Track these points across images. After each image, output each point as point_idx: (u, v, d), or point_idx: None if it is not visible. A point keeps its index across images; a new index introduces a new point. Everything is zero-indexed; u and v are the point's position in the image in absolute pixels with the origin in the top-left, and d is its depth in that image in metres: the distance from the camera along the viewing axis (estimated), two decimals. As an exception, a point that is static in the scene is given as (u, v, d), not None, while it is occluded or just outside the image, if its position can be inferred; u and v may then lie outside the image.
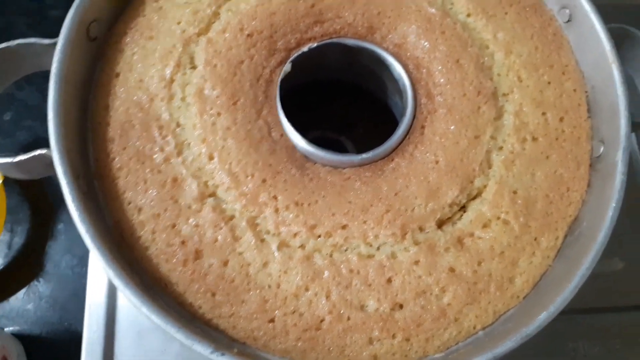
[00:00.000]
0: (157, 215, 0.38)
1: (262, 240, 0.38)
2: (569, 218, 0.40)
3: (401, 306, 0.38)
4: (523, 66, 0.43)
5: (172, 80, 0.41)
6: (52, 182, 0.57)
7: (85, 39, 0.40)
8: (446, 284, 0.38)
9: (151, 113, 0.40)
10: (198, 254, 0.38)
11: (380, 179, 0.40)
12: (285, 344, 0.37)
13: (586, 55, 0.43)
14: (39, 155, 0.38)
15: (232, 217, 0.38)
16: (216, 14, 0.43)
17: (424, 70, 0.43)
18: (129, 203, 0.39)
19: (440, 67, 0.42)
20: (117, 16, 0.43)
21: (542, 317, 0.35)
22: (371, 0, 0.43)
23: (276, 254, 0.38)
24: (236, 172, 0.39)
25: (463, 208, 0.40)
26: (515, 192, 0.40)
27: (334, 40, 0.43)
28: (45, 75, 0.38)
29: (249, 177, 0.39)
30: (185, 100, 0.41)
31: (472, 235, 0.39)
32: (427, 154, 0.41)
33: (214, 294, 0.37)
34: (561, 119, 0.42)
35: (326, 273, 0.38)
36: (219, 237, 0.38)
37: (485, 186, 0.40)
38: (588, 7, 0.42)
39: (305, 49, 0.43)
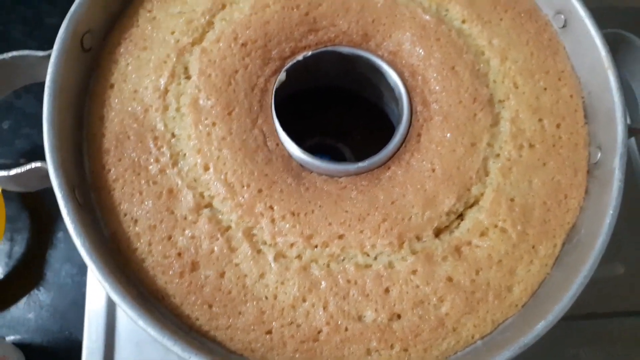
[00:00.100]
0: (153, 226, 0.38)
1: (259, 251, 0.38)
2: (567, 225, 0.40)
3: (399, 316, 0.37)
4: (519, 72, 0.43)
5: (166, 91, 0.41)
6: (51, 191, 0.57)
7: (79, 50, 0.40)
8: (444, 294, 0.38)
9: (146, 124, 0.40)
10: (194, 266, 0.38)
11: (376, 187, 0.40)
12: (282, 356, 0.37)
13: (582, 60, 0.43)
14: (35, 168, 0.38)
15: (228, 228, 0.38)
16: (210, 24, 0.43)
17: (420, 78, 0.42)
18: (125, 215, 0.39)
19: (435, 75, 0.42)
20: (111, 27, 0.43)
21: (541, 326, 0.35)
22: (366, 8, 0.43)
23: (273, 264, 0.38)
24: (232, 183, 0.39)
25: (460, 216, 0.40)
26: (512, 200, 0.40)
27: (329, 48, 0.43)
28: (43, 84, 0.38)
29: (245, 188, 0.39)
30: (180, 111, 0.41)
31: (469, 243, 0.39)
32: (424, 162, 0.40)
33: (210, 306, 0.37)
34: (558, 125, 0.42)
35: (323, 283, 0.37)
36: (215, 249, 0.38)
37: (482, 194, 0.40)
38: (583, 13, 0.41)
39: (300, 57, 0.42)
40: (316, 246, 0.38)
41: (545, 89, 0.43)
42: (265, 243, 0.38)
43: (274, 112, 0.41)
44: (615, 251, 0.57)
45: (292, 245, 0.38)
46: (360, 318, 0.37)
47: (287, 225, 0.38)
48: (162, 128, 0.40)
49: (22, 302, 0.59)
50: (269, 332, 0.37)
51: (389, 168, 0.41)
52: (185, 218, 0.38)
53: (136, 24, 0.43)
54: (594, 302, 0.55)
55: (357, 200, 0.39)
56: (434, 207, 0.39)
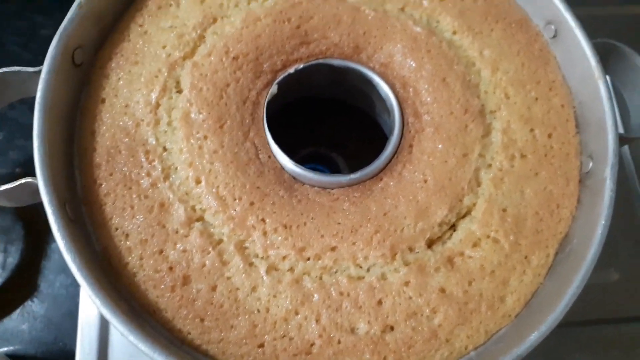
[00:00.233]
0: (144, 241, 0.38)
1: (251, 264, 0.38)
2: (560, 235, 0.40)
3: (392, 328, 0.37)
4: (510, 83, 0.43)
5: (157, 105, 0.41)
6: (44, 202, 0.57)
7: (70, 65, 0.40)
8: (437, 305, 0.38)
9: (137, 138, 0.40)
10: (186, 280, 0.38)
11: (369, 199, 0.40)
12: (275, 369, 0.37)
13: (573, 70, 0.43)
14: (25, 183, 0.38)
15: (220, 242, 0.38)
16: (201, 38, 0.43)
17: (411, 90, 0.43)
18: (117, 229, 0.39)
19: (426, 86, 0.42)
20: (103, 41, 0.43)
21: (534, 337, 0.35)
22: (357, 20, 0.43)
23: (265, 277, 0.38)
24: (224, 196, 0.39)
25: (453, 227, 0.40)
26: (504, 210, 0.40)
27: (320, 61, 0.43)
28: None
29: (237, 200, 0.39)
30: (172, 125, 0.41)
31: (462, 254, 0.39)
32: (416, 173, 0.41)
33: (202, 320, 0.37)
34: (549, 135, 0.42)
35: (316, 296, 0.37)
36: (207, 262, 0.38)
37: (474, 204, 0.40)
38: (573, 23, 0.41)
39: (291, 70, 0.43)
40: (308, 259, 0.38)
41: (536, 99, 0.43)
42: (257, 256, 0.38)
43: (266, 124, 0.41)
44: (610, 258, 0.57)
45: (284, 258, 0.38)
46: (353, 330, 0.37)
47: (279, 238, 0.38)
48: (154, 142, 0.40)
49: (16, 314, 0.59)
50: (262, 345, 0.37)
51: (381, 179, 0.41)
52: (177, 232, 0.38)
53: (127, 39, 0.43)
54: (588, 309, 0.55)
55: (349, 212, 0.39)
56: (426, 218, 0.39)
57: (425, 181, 0.40)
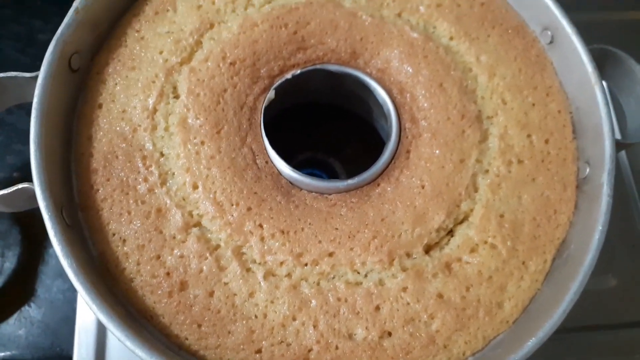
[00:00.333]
0: (141, 246, 0.38)
1: (248, 270, 0.38)
2: (557, 241, 0.40)
3: (390, 334, 0.37)
4: (507, 88, 0.43)
5: (155, 110, 0.41)
6: (41, 207, 0.57)
7: (67, 70, 0.40)
8: (434, 311, 0.38)
9: (134, 143, 0.40)
10: (183, 285, 0.37)
11: (366, 204, 0.40)
12: (272, 375, 0.36)
13: (569, 76, 0.43)
14: (22, 188, 0.38)
15: (217, 247, 0.38)
16: (198, 43, 0.43)
17: (408, 95, 0.43)
18: (114, 234, 0.39)
19: (423, 92, 0.42)
20: (99, 47, 0.43)
21: (531, 343, 0.35)
22: (354, 26, 0.43)
23: (262, 283, 0.38)
24: (221, 201, 0.39)
25: (450, 233, 0.40)
26: (502, 216, 0.40)
27: (317, 66, 0.43)
28: (33, 102, 0.38)
29: (234, 206, 0.39)
30: (169, 130, 0.41)
31: (459, 260, 0.39)
32: (413, 179, 0.41)
33: (200, 325, 0.37)
34: (546, 141, 0.42)
35: (313, 302, 0.37)
36: (204, 268, 0.38)
37: (471, 210, 0.40)
38: (569, 29, 0.42)
39: (288, 76, 0.43)
40: (306, 264, 0.38)
41: (533, 104, 0.43)
42: (254, 262, 0.38)
43: (263, 130, 0.41)
44: (608, 264, 0.57)
45: (281, 263, 0.38)
46: (350, 336, 0.37)
47: (277, 244, 0.38)
48: (151, 147, 0.40)
49: (13, 318, 0.59)
50: (259, 351, 0.37)
51: (378, 185, 0.41)
52: (174, 237, 0.38)
53: (124, 44, 0.43)
54: (586, 315, 0.55)
55: (347, 218, 0.39)
56: (423, 223, 0.39)
57: (423, 187, 0.40)
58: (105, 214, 0.39)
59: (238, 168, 0.40)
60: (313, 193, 0.41)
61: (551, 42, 0.44)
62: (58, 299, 0.60)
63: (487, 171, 0.41)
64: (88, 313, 0.51)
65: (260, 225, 0.39)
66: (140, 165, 0.39)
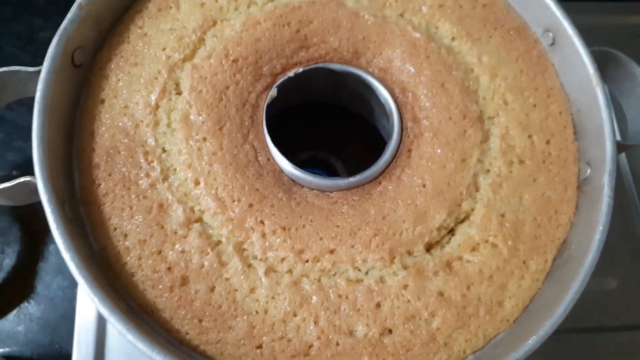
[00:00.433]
0: (143, 241, 0.38)
1: (249, 266, 0.38)
2: (558, 241, 0.40)
3: (390, 331, 0.37)
4: (508, 89, 0.43)
5: (157, 106, 0.41)
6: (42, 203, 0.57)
7: (69, 66, 0.40)
8: (435, 309, 0.38)
9: (136, 139, 0.40)
10: (184, 280, 0.37)
11: (367, 202, 0.40)
12: (273, 371, 0.36)
13: (571, 78, 0.43)
14: (24, 182, 0.37)
15: (218, 243, 0.38)
16: (201, 40, 0.43)
17: (410, 95, 0.43)
18: (115, 229, 0.39)
19: (425, 91, 0.42)
20: (102, 43, 0.43)
21: (532, 341, 0.35)
22: (356, 25, 0.44)
23: (263, 279, 0.38)
24: (222, 197, 0.39)
25: (451, 231, 0.40)
26: (503, 215, 0.40)
27: (320, 65, 0.43)
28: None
29: (236, 202, 0.39)
30: (171, 126, 0.41)
31: (460, 258, 0.39)
32: (415, 178, 0.41)
33: (200, 320, 0.37)
34: (547, 142, 0.42)
35: (314, 298, 0.37)
36: (206, 263, 0.38)
37: (473, 209, 0.40)
38: (571, 31, 0.42)
39: (291, 74, 0.43)
40: (307, 261, 0.38)
41: (534, 105, 0.43)
42: (255, 258, 0.38)
43: (265, 127, 0.41)
44: (607, 265, 0.57)
45: (283, 259, 0.38)
46: (351, 333, 0.37)
47: (278, 240, 0.38)
48: (153, 143, 0.40)
49: (12, 315, 0.59)
50: (260, 346, 0.37)
51: (380, 183, 0.41)
52: (176, 232, 0.38)
53: (127, 40, 0.43)
54: (586, 317, 0.55)
55: (348, 215, 0.39)
56: (424, 222, 0.39)
57: (424, 186, 0.40)
58: (107, 208, 0.39)
59: (240, 165, 0.40)
60: (314, 190, 0.41)
61: (553, 43, 0.44)
62: (58, 296, 0.60)
63: (488, 171, 0.41)
64: (88, 310, 0.51)
65: (262, 222, 0.39)
66: (142, 160, 0.40)
